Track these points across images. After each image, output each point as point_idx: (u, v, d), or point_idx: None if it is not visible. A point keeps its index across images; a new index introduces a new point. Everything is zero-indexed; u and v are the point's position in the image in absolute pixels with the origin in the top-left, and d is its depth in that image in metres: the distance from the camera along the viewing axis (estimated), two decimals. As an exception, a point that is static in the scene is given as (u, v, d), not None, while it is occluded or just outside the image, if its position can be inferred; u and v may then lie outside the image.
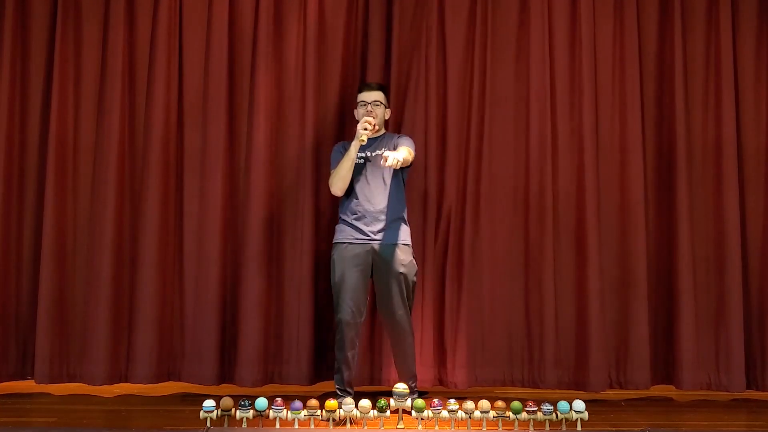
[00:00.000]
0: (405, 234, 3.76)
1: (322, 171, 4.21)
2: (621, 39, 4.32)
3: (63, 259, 4.12)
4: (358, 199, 3.73)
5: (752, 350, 4.20)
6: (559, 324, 4.14)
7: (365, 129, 3.63)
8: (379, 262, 3.69)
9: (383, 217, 3.70)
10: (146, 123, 4.17)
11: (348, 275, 3.67)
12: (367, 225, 3.70)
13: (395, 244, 3.70)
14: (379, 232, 3.69)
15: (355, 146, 3.66)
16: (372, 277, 3.74)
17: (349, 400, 3.30)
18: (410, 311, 3.75)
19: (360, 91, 3.86)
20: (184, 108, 4.25)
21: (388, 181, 3.75)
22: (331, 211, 4.20)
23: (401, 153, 3.56)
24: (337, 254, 3.74)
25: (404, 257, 3.71)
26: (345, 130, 4.24)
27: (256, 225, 4.12)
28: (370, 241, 3.69)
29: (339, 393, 3.70)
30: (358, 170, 3.75)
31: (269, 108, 4.21)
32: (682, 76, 4.23)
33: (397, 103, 4.22)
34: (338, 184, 3.71)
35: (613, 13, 4.33)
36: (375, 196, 3.72)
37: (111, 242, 4.06)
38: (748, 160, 4.29)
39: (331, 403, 3.30)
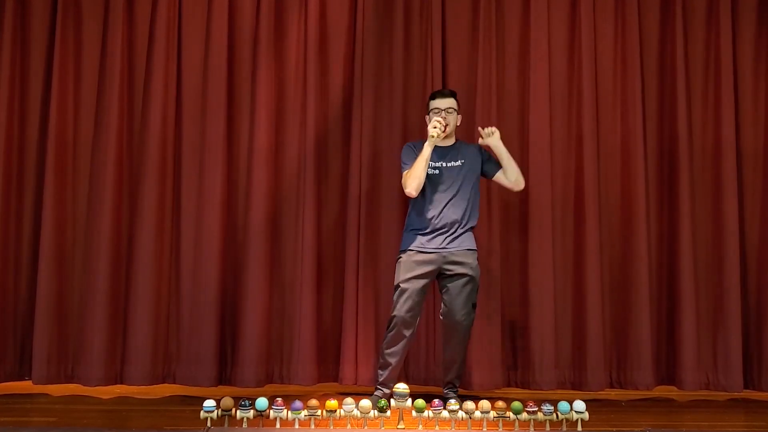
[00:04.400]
0: (472, 241, 3.75)
1: (323, 170, 4.21)
2: (623, 40, 4.33)
3: (61, 259, 4.11)
4: (430, 210, 3.71)
5: (749, 350, 4.21)
6: (557, 324, 4.15)
7: (435, 128, 3.63)
8: (448, 267, 3.68)
9: (455, 228, 3.69)
10: (144, 122, 4.17)
11: (411, 277, 3.65)
12: (437, 236, 3.68)
13: (464, 250, 3.69)
14: (449, 241, 3.68)
15: (428, 145, 3.64)
16: (438, 283, 3.76)
17: (349, 400, 3.30)
18: (474, 312, 3.74)
19: (432, 98, 3.81)
20: (183, 107, 4.25)
21: (462, 190, 3.74)
22: (332, 211, 4.21)
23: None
24: (405, 257, 3.71)
25: (472, 261, 3.71)
26: (346, 129, 4.24)
27: (256, 225, 4.12)
28: (440, 250, 3.67)
29: (377, 388, 3.73)
30: (432, 180, 3.73)
31: (270, 107, 4.21)
32: (683, 77, 4.25)
33: (400, 103, 4.23)
34: (413, 184, 3.65)
35: (614, 14, 4.35)
36: (448, 207, 3.70)
37: (108, 243, 4.06)
38: (747, 161, 4.31)
39: (331, 403, 3.29)
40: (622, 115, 4.30)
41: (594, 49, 4.29)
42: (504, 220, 4.23)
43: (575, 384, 4.13)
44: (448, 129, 3.72)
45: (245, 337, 4.05)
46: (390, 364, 3.69)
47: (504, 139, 4.24)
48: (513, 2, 4.34)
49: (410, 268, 3.67)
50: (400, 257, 3.74)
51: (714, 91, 4.30)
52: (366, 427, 3.30)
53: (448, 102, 3.77)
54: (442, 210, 3.70)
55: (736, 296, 4.15)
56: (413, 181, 3.65)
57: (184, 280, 4.16)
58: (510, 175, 3.77)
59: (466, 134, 4.22)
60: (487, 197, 4.17)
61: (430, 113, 3.79)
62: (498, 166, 3.79)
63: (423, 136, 4.16)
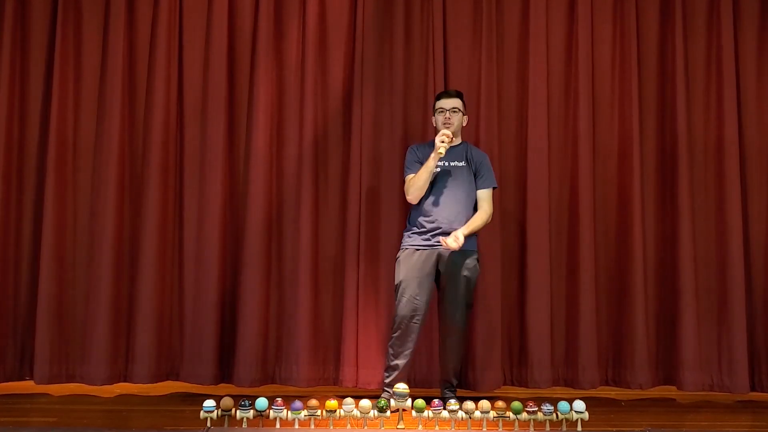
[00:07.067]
0: (471, 241, 3.75)
1: (323, 169, 4.21)
2: (621, 40, 4.32)
3: (62, 259, 4.11)
4: (431, 208, 3.73)
5: (756, 351, 4.18)
6: (553, 322, 4.15)
7: (443, 142, 3.64)
8: (445, 267, 3.71)
9: (454, 227, 3.68)
10: (146, 123, 4.17)
11: (411, 275, 3.68)
12: (436, 234, 3.69)
13: (461, 251, 3.67)
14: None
15: (434, 158, 3.66)
16: (437, 281, 3.77)
17: (349, 400, 3.30)
18: (469, 312, 3.80)
19: (438, 99, 3.85)
20: (185, 108, 4.25)
21: (464, 190, 3.76)
22: (332, 210, 4.21)
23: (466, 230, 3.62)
24: (403, 256, 3.75)
25: (469, 262, 3.73)
26: (346, 127, 4.23)
27: (255, 225, 4.12)
28: (437, 247, 3.68)
29: (385, 390, 3.70)
30: (435, 179, 3.75)
31: (269, 108, 4.21)
32: (683, 77, 4.24)
33: (401, 101, 4.22)
34: (415, 193, 3.72)
35: (612, 14, 4.34)
36: (447, 206, 3.73)
37: (111, 242, 4.06)
38: (750, 159, 4.29)
39: (331, 403, 3.29)
40: (620, 116, 4.30)
41: (591, 49, 4.28)
42: (503, 220, 4.22)
43: (568, 381, 4.14)
44: (452, 128, 3.75)
45: (244, 337, 4.05)
46: (398, 367, 3.68)
47: (503, 138, 4.27)
48: (513, 1, 4.34)
49: (409, 267, 3.70)
50: (399, 256, 3.78)
51: (716, 89, 4.29)
52: (366, 427, 3.30)
53: (453, 102, 3.80)
54: (443, 208, 3.72)
55: (740, 295, 4.12)
56: (416, 191, 3.71)
57: (186, 278, 4.16)
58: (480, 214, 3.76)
59: (469, 134, 4.22)
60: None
61: (436, 113, 3.83)
62: (480, 186, 3.80)
63: (423, 135, 4.20)
